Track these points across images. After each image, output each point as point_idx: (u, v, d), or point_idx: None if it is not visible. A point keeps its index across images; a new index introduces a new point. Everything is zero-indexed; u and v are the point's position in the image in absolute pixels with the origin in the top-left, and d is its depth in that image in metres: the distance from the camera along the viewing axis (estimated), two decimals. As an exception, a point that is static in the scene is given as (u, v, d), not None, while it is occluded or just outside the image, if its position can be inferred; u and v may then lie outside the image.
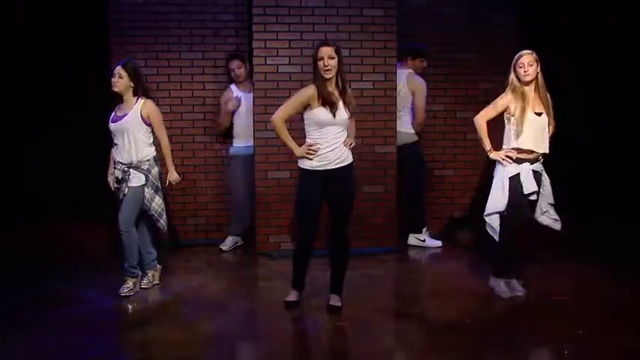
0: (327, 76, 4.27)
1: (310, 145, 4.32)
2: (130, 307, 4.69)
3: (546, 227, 4.88)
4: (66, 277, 5.22)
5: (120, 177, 4.76)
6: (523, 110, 4.61)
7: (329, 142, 4.33)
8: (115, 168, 4.83)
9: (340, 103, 4.33)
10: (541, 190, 4.74)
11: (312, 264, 4.60)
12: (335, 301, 4.53)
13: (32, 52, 7.21)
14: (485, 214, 4.76)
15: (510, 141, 4.69)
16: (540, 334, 4.18)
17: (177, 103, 6.21)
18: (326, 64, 4.24)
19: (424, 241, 6.24)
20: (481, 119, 4.74)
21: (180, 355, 3.95)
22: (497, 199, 4.67)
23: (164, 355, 3.95)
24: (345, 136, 4.43)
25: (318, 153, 4.31)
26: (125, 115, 4.73)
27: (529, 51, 4.67)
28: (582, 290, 4.99)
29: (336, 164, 4.36)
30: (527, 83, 4.64)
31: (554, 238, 5.39)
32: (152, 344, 4.07)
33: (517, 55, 4.67)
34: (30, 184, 7.29)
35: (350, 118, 4.40)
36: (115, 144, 4.80)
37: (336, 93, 4.33)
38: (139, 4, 6.08)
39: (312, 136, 4.36)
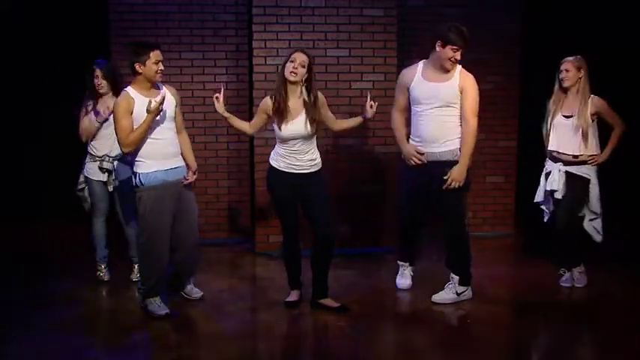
0: (291, 78, 4.25)
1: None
2: (130, 307, 4.70)
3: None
4: (66, 277, 5.22)
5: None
6: (553, 113, 4.91)
7: (289, 150, 4.36)
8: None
9: (301, 116, 4.29)
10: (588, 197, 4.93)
11: (303, 262, 4.62)
12: (330, 302, 4.54)
13: (32, 52, 7.20)
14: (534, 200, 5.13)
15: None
16: (541, 333, 4.18)
17: (177, 103, 6.20)
18: (295, 66, 4.23)
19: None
20: None
21: (180, 355, 3.95)
22: (539, 190, 5.08)
23: (164, 355, 3.96)
24: (313, 146, 4.41)
25: (283, 158, 4.37)
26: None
27: (570, 57, 4.91)
28: (583, 290, 5.00)
29: (299, 169, 4.38)
30: (565, 88, 4.90)
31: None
32: (152, 344, 4.08)
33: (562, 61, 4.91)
34: (30, 184, 7.28)
35: (311, 132, 4.31)
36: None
37: (298, 105, 4.30)
38: (139, 4, 6.08)
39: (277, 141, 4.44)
